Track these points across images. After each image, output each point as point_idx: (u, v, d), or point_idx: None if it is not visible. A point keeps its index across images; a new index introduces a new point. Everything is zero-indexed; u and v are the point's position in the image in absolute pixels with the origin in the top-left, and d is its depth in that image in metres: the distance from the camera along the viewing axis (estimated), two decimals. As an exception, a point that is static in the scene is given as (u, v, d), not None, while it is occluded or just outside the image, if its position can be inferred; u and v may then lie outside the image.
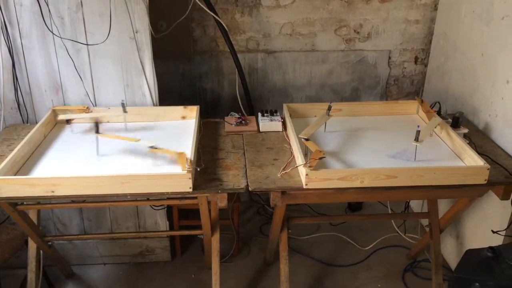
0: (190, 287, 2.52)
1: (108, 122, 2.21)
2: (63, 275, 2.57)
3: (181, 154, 1.77)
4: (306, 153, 1.90)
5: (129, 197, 1.71)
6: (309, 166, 1.72)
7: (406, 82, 3.06)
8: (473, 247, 2.34)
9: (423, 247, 2.59)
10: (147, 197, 1.82)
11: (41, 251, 2.27)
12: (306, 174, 1.71)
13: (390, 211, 2.90)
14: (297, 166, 1.78)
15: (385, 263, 2.70)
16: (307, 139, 1.94)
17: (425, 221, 2.84)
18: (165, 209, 2.57)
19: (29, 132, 2.14)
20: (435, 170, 1.76)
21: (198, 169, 1.77)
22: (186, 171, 1.68)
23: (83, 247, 2.62)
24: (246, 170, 1.86)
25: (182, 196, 1.77)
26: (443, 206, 2.49)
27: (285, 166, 1.88)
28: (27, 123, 2.31)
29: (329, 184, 1.74)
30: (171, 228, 2.64)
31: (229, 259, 2.69)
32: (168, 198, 2.04)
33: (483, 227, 2.27)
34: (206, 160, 1.94)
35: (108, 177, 1.67)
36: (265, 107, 2.98)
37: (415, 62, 3.01)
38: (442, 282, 2.32)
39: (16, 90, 2.25)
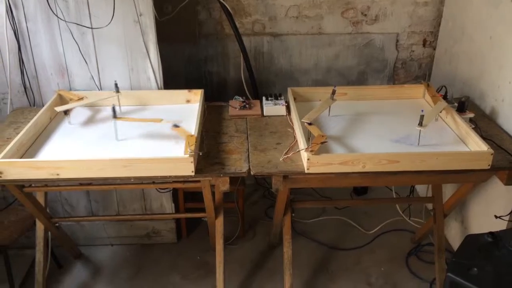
0: (196, 269, 2.56)
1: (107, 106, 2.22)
2: (71, 256, 2.62)
3: (191, 137, 1.77)
4: (309, 137, 1.89)
5: (132, 180, 1.73)
6: (311, 151, 1.72)
7: (414, 65, 3.02)
8: (477, 232, 2.35)
9: (427, 231, 2.60)
10: (151, 181, 1.83)
11: (49, 232, 2.32)
12: (308, 159, 1.71)
13: (394, 195, 2.90)
14: (298, 151, 1.78)
15: (389, 246, 2.71)
16: (310, 123, 1.94)
17: (430, 206, 2.84)
18: (171, 192, 2.60)
19: (35, 115, 2.18)
20: (437, 155, 1.75)
21: (200, 154, 1.78)
22: (188, 155, 1.70)
23: (90, 228, 2.67)
24: (248, 154, 1.87)
25: (185, 179, 1.78)
26: (448, 190, 2.49)
27: (287, 151, 1.88)
28: (34, 106, 2.34)
29: (330, 168, 1.74)
30: (177, 210, 2.67)
31: (234, 241, 2.72)
32: (172, 182, 2.05)
33: (487, 211, 2.27)
34: (209, 144, 1.95)
35: (111, 160, 1.69)
36: (271, 90, 2.98)
37: (424, 45, 2.96)
38: (445, 266, 2.32)
39: (22, 73, 2.27)
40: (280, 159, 1.82)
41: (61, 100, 2.24)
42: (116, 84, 2.14)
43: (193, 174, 1.72)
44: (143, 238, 2.73)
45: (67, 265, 2.58)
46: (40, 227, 2.22)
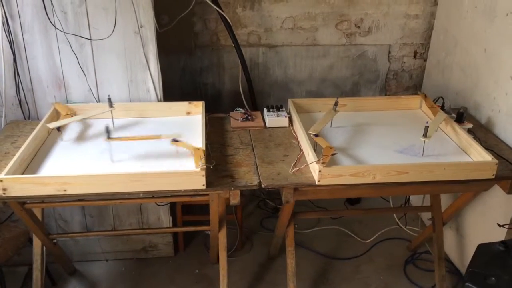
0: (195, 282, 2.52)
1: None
2: (66, 272, 2.55)
3: (198, 150, 1.75)
4: (315, 148, 1.90)
5: (141, 195, 1.70)
6: (322, 163, 1.73)
7: (405, 76, 3.09)
8: (474, 240, 2.40)
9: (424, 239, 2.64)
10: (159, 195, 1.79)
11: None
12: (319, 171, 1.72)
13: (391, 205, 2.94)
14: (310, 163, 1.78)
15: (386, 255, 2.73)
16: (316, 135, 1.95)
17: (424, 214, 2.88)
18: (168, 205, 2.56)
19: (32, 128, 2.12)
20: (445, 166, 1.78)
21: (211, 167, 1.76)
22: (199, 169, 1.68)
23: (85, 244, 2.60)
24: (257, 167, 1.87)
25: (194, 193, 1.75)
26: (444, 199, 2.53)
27: (295, 163, 1.88)
28: (29, 119, 2.28)
29: (341, 180, 1.75)
30: (174, 223, 2.63)
31: (232, 253, 2.69)
32: (178, 196, 2.02)
33: (484, 220, 2.32)
34: (216, 157, 1.93)
35: (121, 175, 1.66)
36: (266, 101, 2.98)
37: (414, 57, 3.03)
38: (445, 274, 2.36)
39: (17, 86, 2.21)
40: (290, 172, 1.82)
41: (57, 113, 2.19)
42: (109, 99, 2.09)
43: (204, 187, 1.71)
44: (139, 252, 2.67)
45: (61, 282, 2.50)
46: (37, 243, 2.15)
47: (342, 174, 1.74)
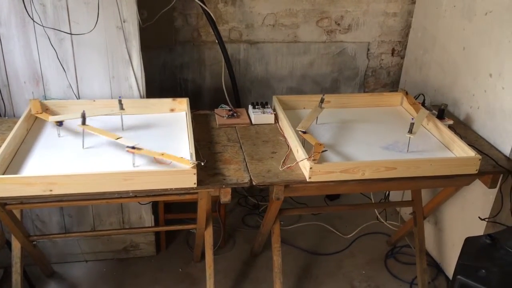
0: (179, 281, 2.49)
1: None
2: (44, 274, 2.47)
3: (180, 159, 1.72)
4: (303, 145, 1.91)
5: (131, 194, 1.66)
6: (313, 160, 1.73)
7: (383, 73, 3.14)
8: (452, 234, 2.47)
9: (404, 234, 2.70)
10: (151, 194, 1.75)
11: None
12: (310, 168, 1.72)
13: (372, 200, 2.98)
14: (301, 160, 1.78)
15: (367, 250, 2.78)
16: (304, 132, 1.95)
17: (403, 209, 2.95)
18: (151, 203, 2.51)
19: (8, 126, 2.05)
20: (431, 161, 1.82)
21: (202, 164, 1.74)
22: (191, 167, 1.65)
23: (63, 245, 2.52)
24: (246, 164, 1.85)
25: (185, 192, 1.73)
26: (424, 193, 2.59)
27: (284, 160, 1.88)
28: (5, 116, 2.18)
29: (332, 177, 1.76)
30: (156, 222, 2.59)
31: (216, 251, 2.67)
32: (167, 194, 1.97)
33: (462, 214, 2.39)
34: (204, 154, 1.91)
35: (110, 174, 1.61)
36: (247, 98, 2.97)
37: (392, 54, 3.08)
38: (426, 267, 2.42)
39: (-8, 81, 2.12)
40: (281, 169, 1.81)
41: (35, 109, 2.11)
42: (120, 100, 2.02)
43: (195, 186, 1.68)
44: (120, 252, 2.62)
45: (40, 285, 2.42)
46: (16, 246, 2.06)
47: (333, 171, 1.75)
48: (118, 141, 1.82)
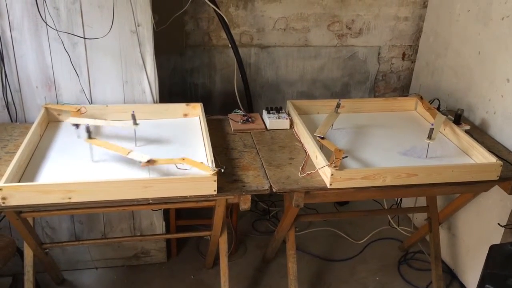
0: (191, 289, 2.47)
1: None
2: (54, 282, 2.43)
3: (201, 164, 1.68)
4: (321, 150, 1.88)
5: (150, 201, 1.63)
6: (334, 166, 1.71)
7: (394, 77, 3.12)
8: (467, 240, 2.45)
9: (417, 239, 2.67)
10: (168, 201, 1.71)
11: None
12: (332, 174, 1.70)
13: (385, 206, 2.96)
14: (322, 167, 1.76)
15: (380, 256, 2.75)
16: (322, 138, 1.93)
17: (416, 214, 2.92)
18: (162, 210, 2.48)
19: (21, 132, 2.03)
20: (452, 168, 1.80)
21: (222, 170, 1.71)
22: (211, 173, 1.62)
23: (74, 251, 2.49)
24: (265, 171, 1.83)
25: (205, 199, 1.70)
26: (438, 199, 2.56)
27: (303, 166, 1.86)
28: (17, 122, 2.15)
29: (352, 183, 1.73)
30: (167, 228, 2.56)
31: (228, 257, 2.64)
32: (186, 201, 1.93)
33: (478, 220, 2.36)
34: (221, 160, 1.88)
35: (131, 182, 1.59)
36: (257, 102, 2.95)
37: (403, 58, 3.07)
38: (442, 274, 2.40)
39: (4, 87, 2.08)
40: (300, 176, 1.79)
41: (48, 115, 2.08)
42: (133, 115, 1.93)
43: (215, 193, 1.65)
44: (130, 259, 2.58)
45: (50, 293, 2.39)
46: (29, 254, 2.03)
47: (354, 177, 1.73)
48: (129, 156, 1.74)
